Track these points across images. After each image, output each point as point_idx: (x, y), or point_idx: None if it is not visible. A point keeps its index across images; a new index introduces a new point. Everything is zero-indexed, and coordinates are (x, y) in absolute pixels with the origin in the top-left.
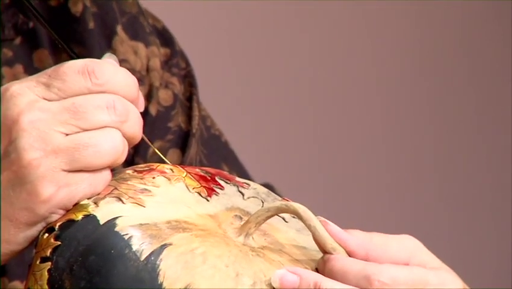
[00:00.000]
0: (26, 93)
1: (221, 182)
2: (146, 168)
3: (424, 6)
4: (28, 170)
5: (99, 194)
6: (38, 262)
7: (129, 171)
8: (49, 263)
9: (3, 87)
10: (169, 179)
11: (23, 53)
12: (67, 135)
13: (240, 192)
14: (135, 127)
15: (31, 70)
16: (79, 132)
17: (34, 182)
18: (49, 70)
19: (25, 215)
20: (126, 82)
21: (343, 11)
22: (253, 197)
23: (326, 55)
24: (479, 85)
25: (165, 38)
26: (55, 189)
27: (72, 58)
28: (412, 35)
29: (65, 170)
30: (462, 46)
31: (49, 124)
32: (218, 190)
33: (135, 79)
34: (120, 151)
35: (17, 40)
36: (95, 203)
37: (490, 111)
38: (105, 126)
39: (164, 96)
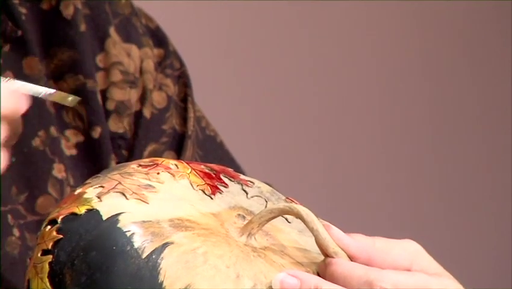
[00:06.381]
0: None
1: (226, 180)
2: (151, 164)
3: (424, 6)
4: None
5: (103, 188)
6: (39, 255)
7: (133, 165)
8: (50, 256)
9: None
10: (173, 176)
11: (13, 61)
12: None
13: (244, 190)
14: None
15: (21, 77)
16: None
17: None
18: None
19: None
20: None
21: (339, 11)
22: (256, 196)
23: (323, 53)
24: (479, 86)
25: (158, 38)
26: None
27: None
28: (412, 35)
29: None
30: (462, 46)
31: None
32: (222, 188)
33: None
34: None
35: (6, 48)
36: (98, 197)
37: (490, 111)
38: None
39: (158, 98)
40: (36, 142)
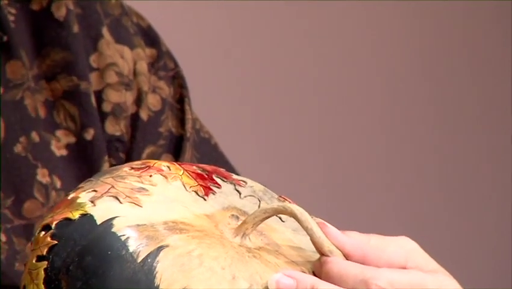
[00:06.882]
0: None
1: (218, 180)
2: (143, 166)
3: (424, 6)
4: None
5: (96, 192)
6: (34, 261)
7: (126, 168)
8: (45, 262)
9: None
10: (166, 178)
11: None
12: None
13: (237, 190)
14: None
15: (4, 81)
16: None
17: None
18: None
19: None
20: None
21: (339, 11)
22: (250, 195)
23: (322, 53)
24: (479, 86)
25: (150, 38)
26: None
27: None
28: (412, 35)
29: None
30: (463, 46)
31: None
32: (215, 189)
33: None
34: None
35: None
36: (92, 202)
37: (490, 111)
38: None
39: (152, 101)
40: (18, 148)
